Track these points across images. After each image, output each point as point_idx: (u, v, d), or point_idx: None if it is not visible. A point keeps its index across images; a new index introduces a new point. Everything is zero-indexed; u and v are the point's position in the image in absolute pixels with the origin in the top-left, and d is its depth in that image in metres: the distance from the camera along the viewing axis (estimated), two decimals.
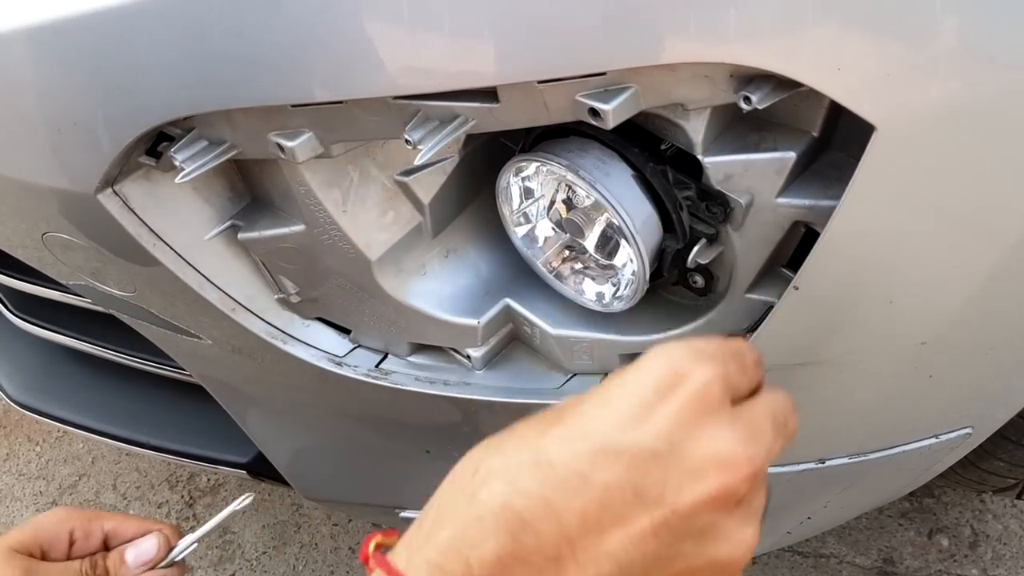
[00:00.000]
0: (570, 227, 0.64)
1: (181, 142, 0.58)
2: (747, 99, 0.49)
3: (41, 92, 0.58)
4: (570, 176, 0.59)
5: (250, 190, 0.68)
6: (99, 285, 0.75)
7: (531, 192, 0.65)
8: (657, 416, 0.39)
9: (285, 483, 0.97)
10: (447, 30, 0.49)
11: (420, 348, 0.76)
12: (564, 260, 0.68)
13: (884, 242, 0.56)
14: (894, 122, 0.49)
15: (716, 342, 0.43)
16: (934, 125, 0.50)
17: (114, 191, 0.62)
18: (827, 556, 1.55)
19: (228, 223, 0.68)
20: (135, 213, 0.64)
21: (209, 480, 1.72)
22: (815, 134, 0.56)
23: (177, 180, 0.57)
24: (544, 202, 0.65)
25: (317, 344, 0.75)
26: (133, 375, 1.03)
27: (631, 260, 0.61)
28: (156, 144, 0.60)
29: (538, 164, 0.61)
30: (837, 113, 0.55)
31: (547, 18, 0.48)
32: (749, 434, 0.40)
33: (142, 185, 0.64)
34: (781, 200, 0.57)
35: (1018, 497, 1.28)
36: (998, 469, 1.14)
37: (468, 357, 0.74)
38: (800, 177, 0.57)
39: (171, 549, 0.70)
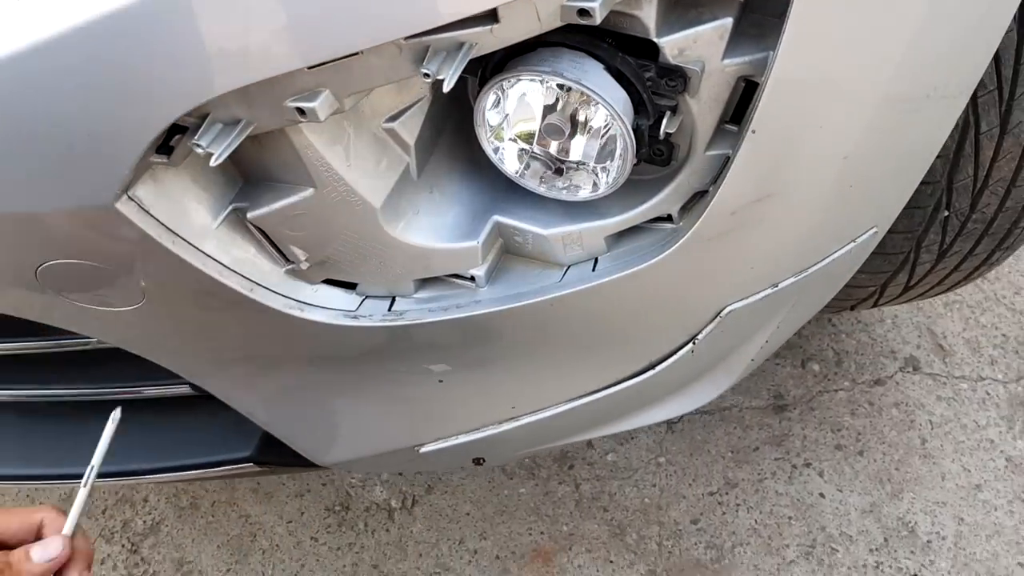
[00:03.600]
0: (550, 131, 0.72)
1: (201, 129, 0.60)
2: None
3: (46, 113, 0.59)
4: (554, 79, 0.67)
5: (241, 172, 0.71)
6: (99, 308, 0.75)
7: (505, 111, 0.72)
8: None
9: (293, 466, 0.99)
10: None
11: (423, 283, 0.82)
12: (544, 175, 0.76)
13: (812, 76, 0.68)
14: None
15: None
16: None
17: (129, 197, 0.64)
18: (728, 408, 1.75)
19: (230, 207, 0.71)
20: (150, 214, 0.65)
21: (145, 521, 1.67)
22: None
23: (212, 163, 0.60)
24: (519, 117, 0.73)
25: (329, 304, 0.79)
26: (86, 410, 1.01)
27: (618, 143, 0.70)
28: (166, 141, 0.62)
29: (519, 79, 0.68)
30: None
31: None
32: None
33: (151, 186, 0.65)
34: (727, 61, 0.68)
35: (874, 305, 1.50)
36: (860, 281, 1.33)
37: (471, 279, 0.81)
38: (735, 39, 0.68)
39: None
